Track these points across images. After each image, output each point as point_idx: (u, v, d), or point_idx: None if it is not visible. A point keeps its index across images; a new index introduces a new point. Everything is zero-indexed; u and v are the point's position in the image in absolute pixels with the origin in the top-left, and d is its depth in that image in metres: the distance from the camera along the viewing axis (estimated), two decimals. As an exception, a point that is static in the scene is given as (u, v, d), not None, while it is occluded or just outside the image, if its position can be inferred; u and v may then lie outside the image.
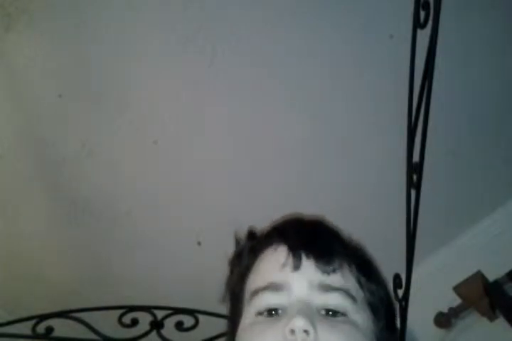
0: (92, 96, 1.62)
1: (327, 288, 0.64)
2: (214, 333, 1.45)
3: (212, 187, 1.75)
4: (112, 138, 1.68)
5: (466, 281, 1.81)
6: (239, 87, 1.59)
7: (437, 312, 1.83)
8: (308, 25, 1.50)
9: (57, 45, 1.55)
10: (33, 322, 1.48)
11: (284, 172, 1.73)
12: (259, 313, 0.64)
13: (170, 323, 1.49)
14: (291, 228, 0.71)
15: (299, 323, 0.57)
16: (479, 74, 1.61)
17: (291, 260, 0.66)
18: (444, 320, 1.82)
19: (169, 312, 1.52)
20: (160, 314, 1.52)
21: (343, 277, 0.66)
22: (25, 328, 1.51)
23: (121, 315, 1.50)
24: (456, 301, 1.82)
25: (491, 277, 1.80)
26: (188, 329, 1.47)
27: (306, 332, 0.57)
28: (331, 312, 0.63)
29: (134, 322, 1.49)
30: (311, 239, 0.69)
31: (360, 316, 0.64)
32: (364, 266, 0.69)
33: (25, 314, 1.54)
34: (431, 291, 1.78)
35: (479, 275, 1.80)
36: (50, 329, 1.46)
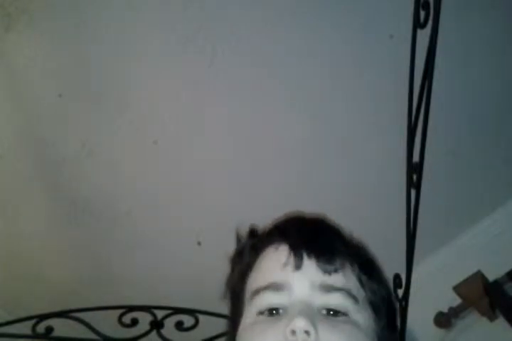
0: (92, 96, 1.62)
1: (329, 288, 0.64)
2: (214, 333, 1.45)
3: (212, 187, 1.75)
4: (111, 138, 1.69)
5: (466, 281, 1.81)
6: (239, 87, 1.59)
7: (437, 312, 1.83)
8: (308, 25, 1.50)
9: (57, 45, 1.55)
10: (33, 322, 1.48)
11: (284, 172, 1.73)
12: (260, 313, 0.64)
13: (170, 323, 1.49)
14: (292, 227, 0.71)
15: (300, 324, 0.57)
16: (479, 74, 1.61)
17: (292, 259, 0.65)
18: (444, 319, 1.82)
19: (169, 312, 1.52)
20: (160, 314, 1.52)
21: (344, 277, 0.65)
22: (25, 328, 1.51)
23: (121, 315, 1.50)
24: (456, 301, 1.82)
25: (491, 277, 1.80)
26: (188, 329, 1.47)
27: (307, 332, 0.57)
28: (332, 312, 0.62)
29: (134, 322, 1.49)
30: (312, 238, 0.68)
31: (362, 316, 0.64)
32: (366, 265, 0.69)
33: (25, 314, 1.54)
34: (431, 291, 1.78)
35: (479, 275, 1.80)
36: (50, 329, 1.46)
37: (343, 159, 1.74)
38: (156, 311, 1.52)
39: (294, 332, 0.57)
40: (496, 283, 1.78)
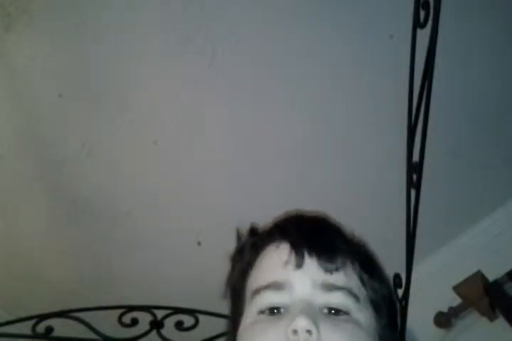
0: (92, 96, 1.62)
1: (330, 287, 0.63)
2: (214, 333, 1.45)
3: (212, 187, 1.75)
4: (111, 138, 1.68)
5: (466, 281, 1.81)
6: (239, 87, 1.59)
7: (437, 311, 1.83)
8: (308, 25, 1.50)
9: (57, 45, 1.55)
10: (33, 322, 1.48)
11: (284, 172, 1.73)
12: (261, 312, 0.64)
13: (170, 323, 1.49)
14: (293, 225, 0.71)
15: (302, 323, 0.57)
16: (479, 74, 1.62)
17: (293, 258, 0.65)
18: (444, 319, 1.82)
19: (169, 312, 1.52)
20: (160, 314, 1.52)
21: (345, 275, 0.65)
22: (25, 328, 1.51)
23: (121, 315, 1.50)
24: (456, 301, 1.82)
25: (491, 277, 1.80)
26: (188, 329, 1.47)
27: (308, 332, 0.57)
28: (333, 311, 0.62)
29: (134, 322, 1.49)
30: (313, 236, 0.68)
31: (363, 314, 0.64)
32: (367, 264, 0.69)
33: (25, 314, 1.54)
34: (431, 291, 1.78)
35: (479, 275, 1.80)
36: (50, 329, 1.46)
37: (343, 159, 1.74)
38: (156, 311, 1.52)
39: (295, 332, 0.57)
40: (496, 283, 1.78)
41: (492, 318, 1.79)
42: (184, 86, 1.60)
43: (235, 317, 0.69)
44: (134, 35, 1.52)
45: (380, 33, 1.50)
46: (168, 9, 1.47)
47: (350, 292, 0.64)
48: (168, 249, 1.85)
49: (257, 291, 0.65)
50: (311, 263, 0.65)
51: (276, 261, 0.66)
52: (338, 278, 0.65)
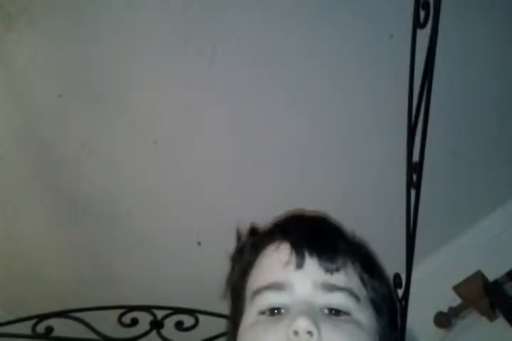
0: (92, 96, 1.62)
1: (331, 288, 0.63)
2: (214, 333, 1.45)
3: (212, 187, 1.75)
4: (111, 138, 1.68)
5: (466, 281, 1.81)
6: (239, 87, 1.59)
7: (437, 311, 1.83)
8: (308, 25, 1.50)
9: (57, 45, 1.55)
10: (33, 321, 1.48)
11: (284, 172, 1.73)
12: (262, 313, 0.63)
13: (170, 323, 1.49)
14: (293, 225, 0.71)
15: (303, 324, 0.57)
16: (479, 74, 1.62)
17: (294, 258, 0.65)
18: (444, 319, 1.82)
19: (169, 312, 1.52)
20: (160, 314, 1.52)
21: (346, 276, 0.65)
22: (25, 328, 1.51)
23: (121, 315, 1.50)
24: (456, 301, 1.82)
25: (491, 277, 1.80)
26: (188, 329, 1.47)
27: (309, 333, 0.57)
28: (334, 312, 0.62)
29: (134, 322, 1.49)
30: (313, 236, 0.68)
31: (364, 315, 0.64)
32: (367, 264, 0.69)
33: (25, 314, 1.54)
34: (431, 291, 1.78)
35: (479, 275, 1.80)
36: (50, 329, 1.46)
37: (343, 159, 1.74)
38: (156, 311, 1.52)
39: (296, 333, 0.57)
40: (496, 283, 1.78)
41: (492, 318, 1.79)
42: (184, 86, 1.60)
43: (235, 318, 0.69)
44: (134, 35, 1.52)
45: (380, 33, 1.50)
46: (168, 9, 1.47)
47: (350, 292, 0.64)
48: (168, 249, 1.85)
49: (258, 291, 0.65)
50: (311, 263, 0.65)
51: (276, 261, 0.66)
52: (339, 278, 0.64)
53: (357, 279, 0.66)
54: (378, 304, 0.67)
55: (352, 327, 0.61)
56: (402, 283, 1.18)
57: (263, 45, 1.53)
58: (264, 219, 0.76)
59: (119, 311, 1.51)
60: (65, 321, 1.51)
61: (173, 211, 1.79)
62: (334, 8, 1.48)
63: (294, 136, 1.67)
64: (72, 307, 1.55)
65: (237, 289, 0.71)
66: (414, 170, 1.10)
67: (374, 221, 1.70)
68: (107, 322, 1.49)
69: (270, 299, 0.64)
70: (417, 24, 1.00)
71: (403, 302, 1.21)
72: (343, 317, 0.62)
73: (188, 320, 1.49)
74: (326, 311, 0.62)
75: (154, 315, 1.52)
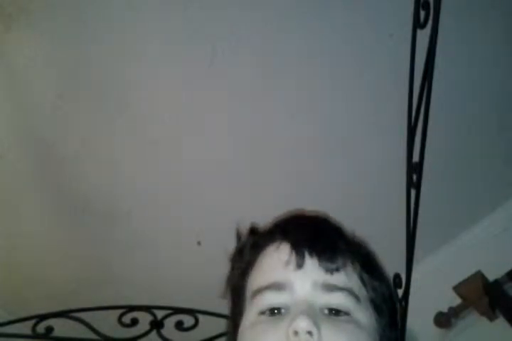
0: (92, 96, 1.62)
1: (331, 288, 0.63)
2: (214, 333, 1.45)
3: (212, 187, 1.75)
4: (111, 138, 1.68)
5: (466, 281, 1.81)
6: (239, 87, 1.59)
7: (437, 312, 1.83)
8: (308, 26, 1.50)
9: (57, 45, 1.55)
10: (33, 322, 1.48)
11: (284, 172, 1.73)
12: (262, 313, 0.63)
13: (170, 323, 1.49)
14: (293, 225, 0.71)
15: (303, 324, 0.57)
16: (479, 74, 1.61)
17: (294, 258, 0.65)
18: (444, 319, 1.82)
19: (169, 312, 1.52)
20: (160, 314, 1.52)
21: (346, 276, 0.65)
22: (25, 328, 1.51)
23: (121, 315, 1.50)
24: (456, 301, 1.82)
25: (491, 277, 1.80)
26: (188, 329, 1.47)
27: (309, 333, 0.57)
28: (334, 312, 0.62)
29: (134, 322, 1.49)
30: (314, 236, 0.68)
31: (364, 315, 0.64)
32: (367, 264, 0.69)
33: (25, 314, 1.54)
34: (431, 291, 1.78)
35: (479, 275, 1.80)
36: (50, 329, 1.46)
37: (343, 159, 1.74)
38: (156, 311, 1.53)
39: (296, 333, 0.57)
40: (496, 283, 1.78)
41: (492, 318, 1.78)
42: (184, 86, 1.60)
43: (235, 318, 0.69)
44: (134, 35, 1.52)
45: (380, 32, 1.50)
46: (168, 9, 1.47)
47: (350, 292, 0.64)
48: (168, 249, 1.85)
49: (258, 291, 0.65)
50: (311, 263, 0.65)
51: (276, 262, 0.66)
52: (339, 278, 0.64)
53: (357, 279, 0.66)
54: (378, 304, 0.67)
55: (352, 327, 0.61)
56: (402, 283, 1.18)
57: (263, 45, 1.53)
58: (264, 219, 0.76)
59: (119, 311, 1.51)
60: (65, 321, 1.51)
61: (173, 211, 1.79)
62: (334, 8, 1.48)
63: (294, 136, 1.67)
64: (72, 307, 1.55)
65: (237, 289, 0.71)
66: (414, 170, 1.10)
67: (374, 221, 1.70)
68: (107, 322, 1.49)
69: (270, 299, 0.64)
70: (417, 24, 1.00)
71: (403, 303, 1.21)
72: (343, 317, 0.62)
73: (188, 320, 1.49)
74: (326, 311, 0.62)
75: (154, 315, 1.52)
